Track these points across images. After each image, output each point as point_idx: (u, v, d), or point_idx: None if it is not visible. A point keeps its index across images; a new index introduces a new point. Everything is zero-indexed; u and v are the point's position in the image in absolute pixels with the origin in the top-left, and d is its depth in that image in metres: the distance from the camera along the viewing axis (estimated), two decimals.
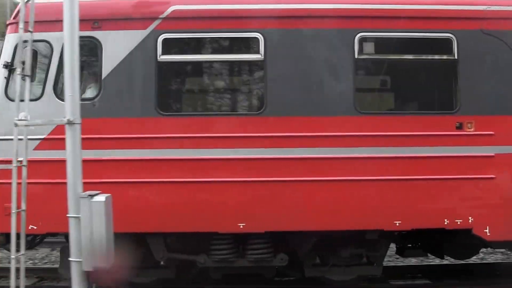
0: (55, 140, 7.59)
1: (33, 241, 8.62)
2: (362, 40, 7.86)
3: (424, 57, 7.98)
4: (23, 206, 6.36)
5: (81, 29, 7.56)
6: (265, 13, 7.81)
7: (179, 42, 7.86)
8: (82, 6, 7.64)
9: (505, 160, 7.90)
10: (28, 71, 6.53)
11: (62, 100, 7.66)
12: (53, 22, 7.71)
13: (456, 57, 7.90)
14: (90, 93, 7.83)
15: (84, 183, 7.51)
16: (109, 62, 7.73)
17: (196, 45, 7.92)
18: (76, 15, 6.10)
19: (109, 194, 6.11)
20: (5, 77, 7.75)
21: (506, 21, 8.00)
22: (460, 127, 7.88)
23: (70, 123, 6.06)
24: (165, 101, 7.89)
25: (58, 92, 7.76)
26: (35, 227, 7.74)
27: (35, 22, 7.65)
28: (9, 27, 7.93)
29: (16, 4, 8.23)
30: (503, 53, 7.93)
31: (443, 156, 7.84)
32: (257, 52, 7.80)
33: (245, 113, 8.00)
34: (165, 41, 7.77)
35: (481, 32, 7.94)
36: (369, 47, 7.93)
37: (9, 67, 7.71)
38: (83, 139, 7.43)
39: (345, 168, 7.71)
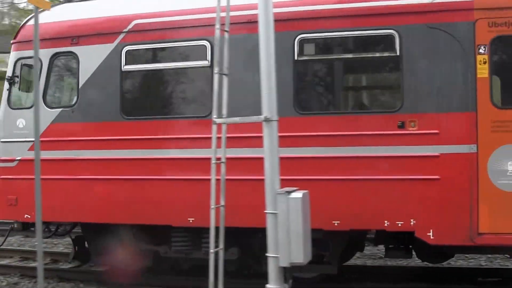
0: (45, 142, 8.89)
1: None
2: (302, 42, 7.99)
3: (365, 55, 7.85)
4: (222, 202, 6.70)
5: (61, 45, 8.84)
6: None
7: (139, 52, 8.69)
8: (63, 25, 8.90)
9: (452, 160, 7.51)
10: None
11: (50, 108, 8.99)
12: (42, 41, 9.00)
13: (398, 53, 7.66)
14: (70, 101, 9.00)
15: (62, 179, 8.78)
16: (84, 73, 8.81)
17: (152, 55, 8.68)
18: (270, 15, 6.27)
19: (306, 191, 6.25)
20: (7, 89, 9.24)
21: (454, 13, 7.55)
22: (402, 126, 7.62)
23: (267, 120, 6.17)
24: (128, 106, 8.76)
25: (47, 101, 9.04)
26: (29, 216, 9.13)
27: (26, 41, 9.08)
28: (12, 46, 9.40)
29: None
30: (450, 47, 7.52)
31: (385, 156, 7.67)
32: (205, 58, 8.36)
33: (193, 116, 8.54)
34: (127, 52, 8.66)
35: (426, 26, 7.60)
36: (309, 49, 8.03)
37: (9, 81, 9.18)
38: (63, 141, 8.71)
39: (284, 168, 7.91)
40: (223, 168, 6.69)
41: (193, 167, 8.30)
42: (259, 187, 6.40)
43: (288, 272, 6.15)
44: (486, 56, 7.43)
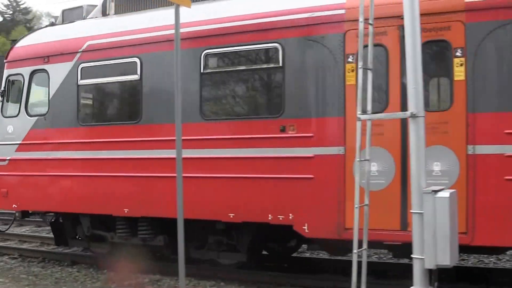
0: (26, 145, 10.79)
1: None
2: (207, 56, 9.08)
3: (255, 67, 8.77)
4: (366, 201, 6.78)
5: (37, 63, 10.72)
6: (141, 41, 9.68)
7: (98, 69, 10.22)
8: (39, 47, 10.77)
9: (323, 160, 8.22)
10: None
11: (30, 116, 10.86)
12: (23, 60, 10.92)
13: (281, 65, 8.50)
14: (43, 111, 10.78)
15: (36, 175, 10.63)
16: (53, 87, 10.54)
17: (99, 71, 10.18)
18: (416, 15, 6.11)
19: (454, 190, 6.05)
20: (0, 101, 11.24)
21: (327, 25, 8.23)
22: (283, 130, 8.46)
23: (413, 116, 5.97)
24: (84, 114, 10.35)
25: (28, 111, 10.90)
26: (16, 206, 11.08)
27: (14, 61, 11.04)
28: (5, 64, 11.39)
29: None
30: (324, 57, 8.22)
31: (269, 156, 8.56)
32: (135, 73, 9.72)
33: (127, 122, 9.91)
34: (85, 68, 10.25)
35: (304, 39, 8.36)
36: (212, 62, 9.09)
37: (1, 94, 11.18)
38: (38, 144, 10.55)
39: (193, 166, 9.09)
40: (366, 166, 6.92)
41: (127, 165, 9.73)
42: None
43: (434, 275, 5.93)
44: (354, 65, 8.07)
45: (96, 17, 10.86)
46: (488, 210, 7.34)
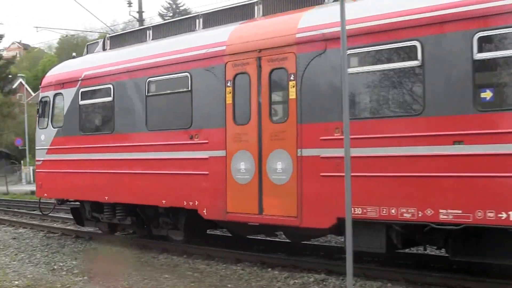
0: (52, 149, 14.60)
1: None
2: (149, 83, 12.13)
3: (176, 91, 11.66)
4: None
5: (57, 88, 14.54)
6: (114, 72, 12.97)
7: (90, 92, 13.69)
8: (59, 75, 14.59)
9: (214, 161, 10.91)
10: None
11: (53, 127, 14.61)
12: (50, 86, 14.74)
13: (190, 89, 11.31)
14: (61, 124, 14.44)
15: (56, 172, 14.40)
16: (66, 107, 14.21)
17: (91, 94, 13.62)
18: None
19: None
20: (37, 117, 15.16)
21: (214, 59, 10.91)
22: (192, 137, 11.26)
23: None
24: (83, 126, 13.83)
25: (53, 123, 14.64)
26: (46, 195, 14.91)
27: (44, 86, 14.95)
28: (40, 89, 15.31)
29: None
30: (214, 83, 10.90)
31: (182, 158, 11.43)
32: (110, 96, 13.01)
33: (104, 132, 13.27)
34: (83, 92, 13.76)
35: (203, 69, 11.09)
36: (153, 88, 12.11)
37: (37, 112, 15.11)
38: (55, 149, 14.33)
39: (140, 165, 12.21)
40: None
41: (104, 164, 13.08)
42: None
43: None
44: (231, 88, 10.69)
45: (96, 52, 14.40)
46: (310, 199, 9.66)
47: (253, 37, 10.52)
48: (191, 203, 11.36)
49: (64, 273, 10.77)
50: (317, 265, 10.34)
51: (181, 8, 63.00)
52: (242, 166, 10.50)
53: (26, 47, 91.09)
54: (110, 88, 13.04)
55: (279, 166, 10.03)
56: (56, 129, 14.55)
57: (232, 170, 10.65)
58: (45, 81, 15.21)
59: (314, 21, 9.75)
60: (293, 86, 9.83)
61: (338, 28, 7.36)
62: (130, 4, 28.22)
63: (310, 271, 10.04)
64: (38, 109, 15.31)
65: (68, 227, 16.71)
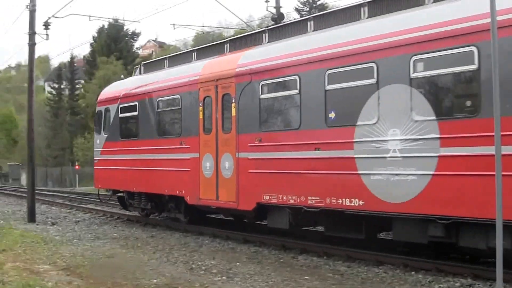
0: (103, 151, 19.19)
1: None
2: (158, 101, 16.19)
3: (170, 108, 15.81)
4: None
5: (106, 104, 19.26)
6: (138, 93, 17.22)
7: (125, 108, 18.03)
8: (107, 94, 19.29)
9: (192, 160, 14.70)
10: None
11: (104, 134, 19.23)
12: (102, 102, 19.34)
13: (180, 107, 15.32)
14: (108, 132, 18.92)
15: (106, 168, 19.10)
16: (111, 118, 18.66)
17: (126, 109, 17.92)
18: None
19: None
20: (94, 125, 19.85)
21: (194, 85, 14.80)
22: (181, 143, 15.13)
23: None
24: (122, 133, 18.17)
25: (104, 131, 19.18)
26: (100, 186, 19.51)
27: (99, 102, 19.70)
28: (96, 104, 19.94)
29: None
30: (194, 103, 14.75)
31: (175, 158, 15.32)
32: (135, 111, 17.25)
33: (131, 139, 17.50)
34: (121, 107, 18.14)
35: (189, 93, 14.97)
36: (160, 105, 16.17)
37: (95, 121, 19.77)
38: (106, 151, 19.00)
39: (150, 164, 16.33)
40: None
41: (134, 163, 17.33)
42: None
43: None
44: (201, 107, 14.43)
45: (135, 75, 18.84)
46: (243, 189, 13.18)
47: (214, 70, 14.30)
48: (180, 192, 15.28)
49: (203, 272, 10.53)
50: (462, 269, 9.83)
51: (318, 3, 63.59)
52: (207, 165, 14.29)
53: (161, 44, 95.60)
54: (136, 105, 17.32)
55: (227, 165, 13.70)
56: (106, 135, 19.12)
57: (202, 168, 14.43)
58: (99, 98, 20.08)
59: (246, 59, 13.35)
60: (234, 107, 13.46)
61: (258, 65, 11.87)
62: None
63: (456, 275, 9.57)
64: (95, 120, 20.12)
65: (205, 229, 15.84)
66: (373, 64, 10.32)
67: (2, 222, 18.74)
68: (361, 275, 10.21)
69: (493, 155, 7.46)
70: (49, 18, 21.22)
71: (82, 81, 68.57)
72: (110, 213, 20.40)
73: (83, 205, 22.91)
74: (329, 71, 11.13)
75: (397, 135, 9.97)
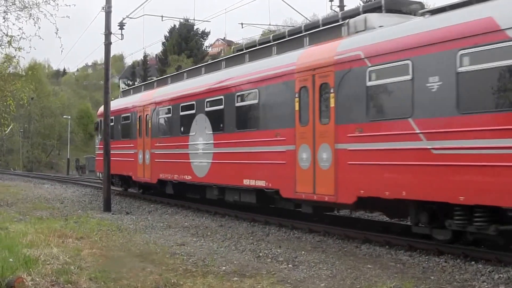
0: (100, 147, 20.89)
1: None
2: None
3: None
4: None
5: (99, 117, 21.73)
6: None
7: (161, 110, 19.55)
8: (100, 110, 21.27)
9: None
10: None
11: (99, 136, 22.18)
12: (98, 115, 24.35)
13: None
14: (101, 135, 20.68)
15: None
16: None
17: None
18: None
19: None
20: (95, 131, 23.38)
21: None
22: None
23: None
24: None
25: (99, 135, 24.14)
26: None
27: (98, 115, 21.47)
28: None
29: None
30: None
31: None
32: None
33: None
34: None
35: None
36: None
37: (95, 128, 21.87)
38: (100, 147, 19.61)
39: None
40: None
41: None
42: None
43: None
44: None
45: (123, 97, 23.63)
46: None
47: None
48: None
49: (269, 260, 10.69)
50: None
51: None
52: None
53: (229, 43, 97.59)
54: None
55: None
56: (100, 138, 25.84)
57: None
58: (98, 113, 29.04)
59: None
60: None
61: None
62: None
63: None
64: (95, 127, 28.28)
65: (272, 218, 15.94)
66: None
67: (80, 211, 19.29)
68: (422, 264, 10.26)
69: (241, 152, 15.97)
70: (124, 18, 21.90)
71: (155, 78, 69.96)
72: (181, 204, 20.67)
73: (155, 196, 23.31)
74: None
75: (201, 141, 18.13)
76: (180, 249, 11.63)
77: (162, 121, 20.61)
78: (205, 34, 71.24)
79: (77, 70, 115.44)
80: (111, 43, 20.74)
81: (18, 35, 19.45)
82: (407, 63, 11.01)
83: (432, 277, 9.28)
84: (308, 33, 14.83)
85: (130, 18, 22.19)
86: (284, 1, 25.71)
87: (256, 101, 15.58)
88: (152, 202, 22.60)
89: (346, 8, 24.96)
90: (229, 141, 16.73)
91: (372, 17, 12.89)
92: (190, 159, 18.56)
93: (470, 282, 9.00)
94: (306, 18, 32.34)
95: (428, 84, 10.59)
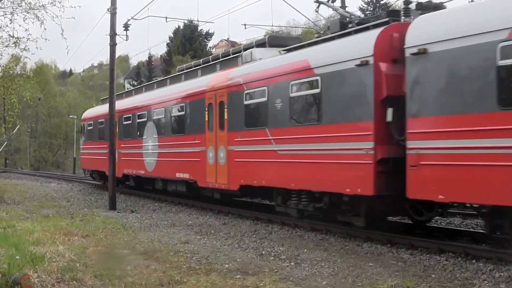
0: (84, 147, 22.48)
1: None
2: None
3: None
4: None
5: (83, 122, 22.83)
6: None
7: (89, 124, 27.13)
8: (83, 116, 23.04)
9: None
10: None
11: (83, 138, 25.06)
12: (82, 120, 27.77)
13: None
14: (85, 138, 24.00)
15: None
16: (86, 129, 26.53)
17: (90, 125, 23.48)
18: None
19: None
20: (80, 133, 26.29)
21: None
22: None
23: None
24: (89, 137, 24.87)
25: (83, 137, 28.46)
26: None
27: (82, 119, 22.52)
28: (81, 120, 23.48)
29: None
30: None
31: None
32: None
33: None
34: (87, 124, 24.03)
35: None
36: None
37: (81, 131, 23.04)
38: (84, 147, 19.53)
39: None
40: None
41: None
42: None
43: None
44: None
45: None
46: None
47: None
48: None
49: (272, 258, 10.73)
50: None
51: (382, 2, 62.66)
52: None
53: (233, 44, 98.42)
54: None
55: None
56: (83, 138, 31.38)
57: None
58: (82, 117, 32.79)
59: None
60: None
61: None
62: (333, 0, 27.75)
63: None
64: (81, 130, 33.14)
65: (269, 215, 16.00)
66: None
67: (85, 209, 19.30)
68: (424, 263, 10.25)
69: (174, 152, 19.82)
70: (129, 20, 21.87)
71: (159, 79, 70.09)
72: (185, 202, 20.67)
73: (159, 195, 23.28)
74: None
75: (150, 143, 22.26)
76: (184, 247, 11.63)
77: (127, 126, 24.88)
78: (209, 35, 71.17)
79: (83, 70, 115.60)
80: (116, 44, 20.71)
81: (24, 37, 19.47)
82: (264, 89, 14.99)
83: (433, 275, 9.27)
84: (219, 61, 18.89)
85: (135, 19, 22.17)
86: (286, 2, 25.83)
87: (183, 113, 19.83)
88: (157, 200, 22.60)
89: (347, 9, 25.34)
90: (167, 143, 20.87)
91: (256, 51, 16.76)
92: (144, 157, 22.81)
93: (471, 280, 8.96)
94: (309, 19, 32.53)
95: (276, 104, 14.37)
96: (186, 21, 56.01)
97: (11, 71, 22.66)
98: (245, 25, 26.37)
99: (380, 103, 11.31)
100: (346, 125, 12.16)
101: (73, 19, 18.45)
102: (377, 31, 11.64)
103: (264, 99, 14.89)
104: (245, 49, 17.41)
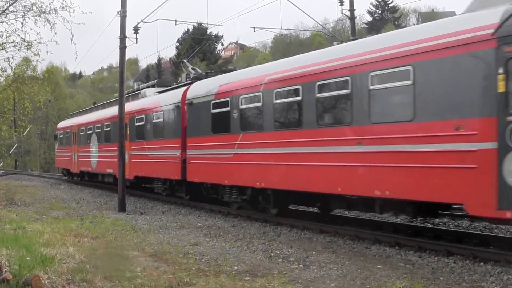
0: (58, 150, 20.69)
1: None
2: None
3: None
4: None
5: (57, 131, 22.60)
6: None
7: (61, 133, 30.86)
8: (58, 127, 23.45)
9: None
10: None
11: (57, 143, 25.69)
12: (57, 130, 30.76)
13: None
14: (61, 142, 23.85)
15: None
16: (59, 137, 26.76)
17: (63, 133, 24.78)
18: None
19: None
20: (55, 140, 27.35)
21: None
22: None
23: None
24: (61, 143, 28.02)
25: (57, 143, 32.26)
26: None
27: (57, 129, 22.73)
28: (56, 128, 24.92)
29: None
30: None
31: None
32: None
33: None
34: (59, 133, 26.22)
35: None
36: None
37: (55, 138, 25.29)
38: (59, 150, 19.69)
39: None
40: None
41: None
42: None
43: None
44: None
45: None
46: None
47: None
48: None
49: (281, 260, 10.74)
50: None
51: (390, 5, 62.83)
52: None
53: (242, 46, 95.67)
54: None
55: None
56: (57, 144, 38.86)
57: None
58: (56, 127, 40.33)
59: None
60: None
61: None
62: (342, 2, 26.49)
63: None
64: (55, 137, 40.47)
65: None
66: None
67: (95, 211, 19.37)
68: (432, 265, 10.24)
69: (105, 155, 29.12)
70: (139, 23, 21.83)
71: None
72: (194, 205, 20.67)
73: (169, 197, 23.31)
74: None
75: (94, 148, 31.07)
76: (193, 249, 11.66)
77: (82, 136, 33.57)
78: (218, 38, 71.36)
79: (93, 73, 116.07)
80: (126, 46, 20.77)
81: (36, 40, 19.57)
82: (143, 116, 24.02)
83: (441, 278, 9.28)
84: (132, 94, 27.13)
85: (145, 22, 22.17)
86: (295, 6, 26.01)
87: (109, 128, 28.56)
88: (166, 202, 22.62)
89: (356, 12, 26.30)
90: (103, 148, 29.34)
91: (147, 90, 25.98)
92: (90, 158, 31.64)
93: (479, 283, 8.95)
94: (317, 22, 32.35)
95: (148, 126, 23.36)
96: (195, 24, 56.12)
97: (22, 74, 22.75)
98: (254, 28, 26.51)
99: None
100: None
101: (83, 25, 18.44)
102: (183, 89, 20.73)
103: (143, 123, 24.13)
104: (145, 88, 26.75)
